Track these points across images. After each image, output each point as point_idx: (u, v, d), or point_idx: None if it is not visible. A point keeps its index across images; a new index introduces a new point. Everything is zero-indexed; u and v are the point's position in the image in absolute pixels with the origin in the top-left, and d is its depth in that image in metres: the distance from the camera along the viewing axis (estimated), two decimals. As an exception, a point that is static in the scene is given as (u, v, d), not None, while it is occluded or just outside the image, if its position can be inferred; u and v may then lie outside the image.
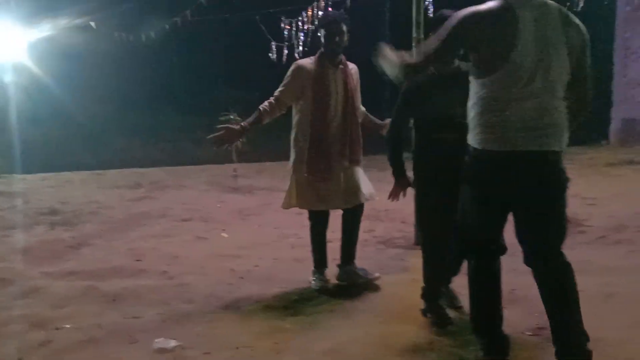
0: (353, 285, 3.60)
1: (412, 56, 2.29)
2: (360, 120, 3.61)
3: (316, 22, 5.94)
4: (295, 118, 3.59)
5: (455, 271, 3.04)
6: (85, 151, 14.05)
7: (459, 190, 2.42)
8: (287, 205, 3.71)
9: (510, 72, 2.06)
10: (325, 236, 3.75)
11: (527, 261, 2.37)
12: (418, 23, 4.40)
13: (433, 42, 2.24)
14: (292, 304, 3.37)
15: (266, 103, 3.46)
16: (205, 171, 9.87)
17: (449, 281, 3.18)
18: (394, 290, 3.57)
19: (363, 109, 3.71)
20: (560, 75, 2.12)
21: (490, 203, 2.27)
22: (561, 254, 2.32)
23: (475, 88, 2.19)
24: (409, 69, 2.30)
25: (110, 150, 14.04)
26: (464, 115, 2.40)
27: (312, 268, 3.75)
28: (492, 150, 2.15)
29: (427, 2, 4.64)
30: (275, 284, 3.75)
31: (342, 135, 3.50)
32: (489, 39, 2.07)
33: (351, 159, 3.53)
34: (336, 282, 3.69)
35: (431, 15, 4.52)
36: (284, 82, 3.51)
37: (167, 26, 7.24)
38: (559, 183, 2.23)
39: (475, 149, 2.22)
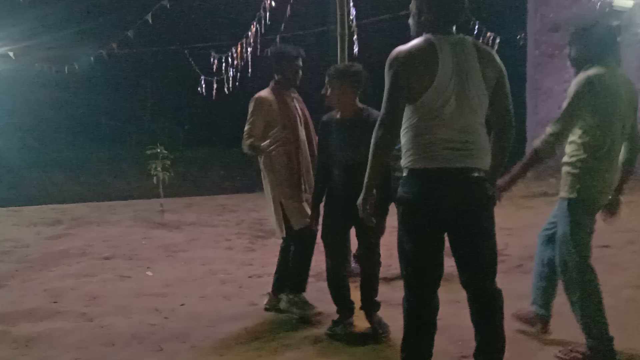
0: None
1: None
2: None
3: (247, 58, 6.01)
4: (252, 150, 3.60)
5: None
6: (1, 185, 13.23)
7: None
8: (281, 234, 3.73)
9: (434, 99, 2.26)
10: (309, 258, 3.75)
11: (462, 284, 2.49)
12: (342, 61, 4.56)
13: (387, 104, 2.31)
14: (218, 343, 3.29)
15: (249, 145, 3.52)
16: (130, 206, 9.54)
17: (377, 308, 3.32)
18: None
19: None
20: (479, 101, 2.33)
21: (423, 226, 2.35)
22: (493, 281, 2.45)
23: (406, 116, 2.34)
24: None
25: (28, 185, 13.29)
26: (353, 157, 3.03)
27: (288, 295, 3.68)
28: (421, 169, 2.30)
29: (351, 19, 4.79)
30: (202, 323, 3.64)
31: (308, 162, 3.68)
32: (415, 71, 2.27)
33: (310, 186, 3.66)
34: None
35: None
36: (250, 118, 3.58)
37: (92, 58, 7.06)
38: (485, 199, 2.38)
39: (407, 170, 2.35)
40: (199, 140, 16.00)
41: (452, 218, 2.32)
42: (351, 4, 4.63)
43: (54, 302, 4.17)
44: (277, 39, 6.11)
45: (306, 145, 3.70)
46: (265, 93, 3.66)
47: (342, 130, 3.22)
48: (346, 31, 4.53)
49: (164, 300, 4.18)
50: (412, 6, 2.43)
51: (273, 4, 5.58)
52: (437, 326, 2.48)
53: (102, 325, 3.63)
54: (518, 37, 10.72)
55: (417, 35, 2.38)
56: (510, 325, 2.91)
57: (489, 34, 6.34)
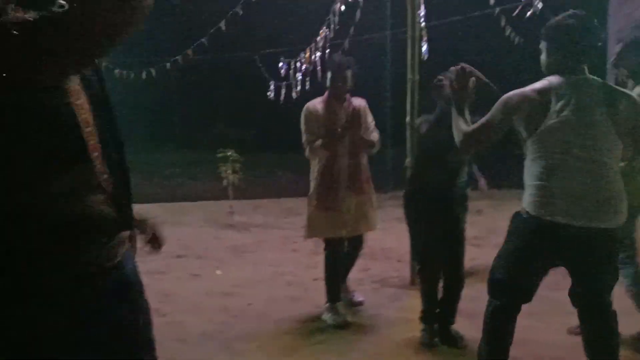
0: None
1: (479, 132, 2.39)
2: (375, 149, 3.89)
3: (316, 63, 6.07)
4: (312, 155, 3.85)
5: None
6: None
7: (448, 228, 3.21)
8: (307, 235, 3.93)
9: (544, 140, 2.26)
10: (338, 267, 3.90)
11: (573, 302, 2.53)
12: (412, 66, 4.50)
13: (487, 123, 2.36)
14: (286, 344, 3.32)
15: (309, 154, 3.82)
16: (201, 207, 9.85)
17: (451, 322, 3.36)
18: (390, 330, 3.53)
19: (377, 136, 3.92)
20: (608, 147, 2.26)
21: (536, 260, 2.38)
22: (607, 300, 2.43)
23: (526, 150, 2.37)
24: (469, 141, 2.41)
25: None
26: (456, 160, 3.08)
27: (326, 303, 3.77)
28: (539, 217, 2.27)
29: (422, 45, 4.74)
30: (270, 323, 3.69)
31: (350, 168, 3.77)
32: (523, 115, 2.29)
33: (359, 189, 3.80)
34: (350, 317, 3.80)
35: (425, 58, 4.62)
36: (303, 129, 3.79)
37: (168, 64, 7.35)
38: (609, 258, 2.36)
39: (525, 211, 2.34)
40: (267, 144, 16.32)
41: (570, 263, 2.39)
42: (422, 6, 4.56)
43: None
44: (346, 43, 6.11)
45: (352, 154, 3.76)
46: (314, 102, 3.83)
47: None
48: (417, 33, 4.46)
49: (233, 300, 4.27)
50: (541, 46, 2.46)
51: (342, 8, 5.59)
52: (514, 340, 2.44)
53: (174, 321, 3.76)
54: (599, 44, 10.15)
55: (548, 74, 2.38)
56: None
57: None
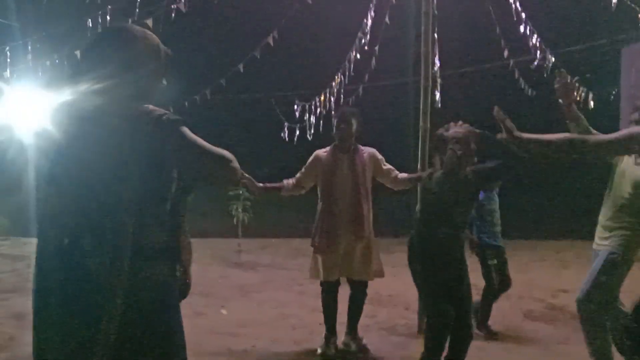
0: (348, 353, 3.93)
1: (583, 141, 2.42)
2: (392, 184, 4.00)
3: (329, 108, 6.19)
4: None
5: None
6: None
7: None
8: (309, 275, 4.11)
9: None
10: (333, 306, 4.00)
11: None
12: (424, 113, 4.58)
13: (607, 141, 2.38)
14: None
15: (290, 180, 3.99)
16: (209, 244, 9.85)
17: None
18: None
19: (395, 173, 4.00)
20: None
21: None
22: None
23: None
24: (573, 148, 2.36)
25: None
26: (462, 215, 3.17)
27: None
28: None
29: (435, 94, 4.83)
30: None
31: (349, 213, 3.85)
32: None
33: (357, 234, 3.85)
34: (341, 349, 4.00)
35: (438, 106, 4.70)
36: (303, 168, 4.02)
37: (186, 103, 7.53)
38: None
39: None
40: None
41: None
42: (436, 56, 4.67)
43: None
44: (360, 89, 6.24)
45: (352, 201, 3.86)
46: (322, 151, 4.04)
47: (464, 185, 3.17)
48: (430, 82, 4.56)
49: (237, 340, 4.23)
50: None
51: (358, 56, 5.74)
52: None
53: None
54: (612, 96, 10.24)
55: None
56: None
57: (581, 89, 6.12)
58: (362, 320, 4.68)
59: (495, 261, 4.43)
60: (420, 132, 4.56)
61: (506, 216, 4.63)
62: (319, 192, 4.01)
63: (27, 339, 4.23)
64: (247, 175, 3.59)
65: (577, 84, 2.59)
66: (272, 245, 9.92)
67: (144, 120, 1.64)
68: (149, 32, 1.73)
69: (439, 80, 4.71)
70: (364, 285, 4.01)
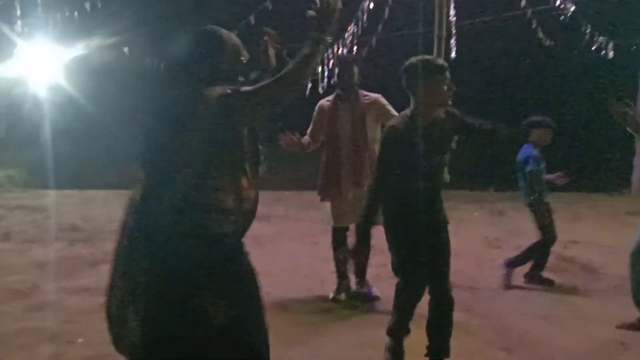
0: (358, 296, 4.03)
1: None
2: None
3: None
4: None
5: None
6: (110, 170, 14.32)
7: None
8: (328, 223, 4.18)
9: None
10: (344, 252, 4.01)
11: None
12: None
13: None
14: (301, 334, 3.38)
15: (306, 137, 4.03)
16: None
17: (447, 354, 2.85)
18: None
19: None
20: None
21: None
22: None
23: None
24: None
25: (133, 171, 14.29)
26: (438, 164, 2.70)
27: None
28: None
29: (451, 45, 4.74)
30: (286, 313, 3.76)
31: (350, 161, 3.90)
32: None
33: (358, 183, 3.88)
34: (352, 291, 4.12)
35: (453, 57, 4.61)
36: (312, 121, 4.07)
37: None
38: None
39: None
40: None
41: None
42: (451, 5, 4.55)
43: (152, 281, 4.48)
44: (373, 41, 6.13)
45: (354, 148, 3.89)
46: (325, 101, 4.06)
47: (430, 133, 2.68)
48: (444, 33, 4.46)
49: (251, 289, 4.35)
50: None
51: (372, 6, 5.61)
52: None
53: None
54: (633, 48, 9.92)
55: None
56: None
57: (601, 38, 5.95)
58: (373, 270, 4.77)
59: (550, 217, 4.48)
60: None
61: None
62: (324, 141, 4.05)
63: (48, 286, 4.41)
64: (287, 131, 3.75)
65: None
66: (285, 198, 10.02)
67: (215, 97, 1.90)
68: (233, 35, 2.07)
69: (454, 30, 4.60)
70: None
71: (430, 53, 4.56)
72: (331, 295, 4.06)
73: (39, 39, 11.92)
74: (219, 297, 1.87)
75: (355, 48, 5.98)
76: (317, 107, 4.06)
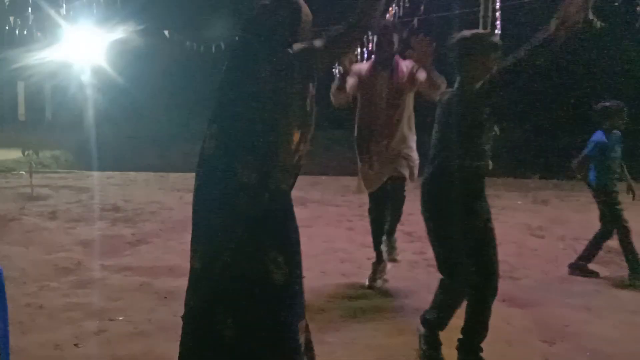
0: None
1: None
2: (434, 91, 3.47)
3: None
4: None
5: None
6: (151, 152, 14.63)
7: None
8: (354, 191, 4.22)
9: None
10: (380, 223, 3.99)
11: None
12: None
13: None
14: (336, 319, 3.38)
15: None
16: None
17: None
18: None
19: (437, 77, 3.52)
20: None
21: None
22: None
23: None
24: None
25: (173, 154, 14.56)
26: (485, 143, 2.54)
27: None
28: None
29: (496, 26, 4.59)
30: (321, 297, 3.77)
31: (386, 130, 3.79)
32: None
33: (392, 135, 3.79)
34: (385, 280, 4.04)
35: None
36: (344, 80, 3.80)
37: (237, 37, 7.48)
38: None
39: None
40: (330, 121, 16.40)
41: None
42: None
43: (190, 262, 4.56)
44: (415, 21, 6.00)
45: (384, 117, 3.76)
46: (362, 65, 3.93)
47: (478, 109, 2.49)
48: (489, 14, 4.32)
49: (287, 272, 4.38)
50: None
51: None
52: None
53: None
54: None
55: None
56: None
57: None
58: (410, 257, 4.73)
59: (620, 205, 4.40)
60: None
61: (566, 156, 4.52)
62: (358, 109, 3.93)
63: (92, 264, 4.54)
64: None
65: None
66: (321, 182, 10.02)
67: (297, 49, 2.06)
68: (304, 4, 2.16)
69: (498, 11, 4.45)
70: (402, 180, 3.86)
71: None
72: (367, 282, 4.02)
73: (83, 23, 12.21)
74: (280, 253, 1.99)
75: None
76: (353, 69, 3.80)
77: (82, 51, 13.84)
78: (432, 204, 2.64)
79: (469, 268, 2.55)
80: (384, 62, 3.80)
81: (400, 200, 3.95)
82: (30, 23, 9.35)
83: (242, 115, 2.03)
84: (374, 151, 3.84)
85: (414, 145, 3.88)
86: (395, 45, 3.76)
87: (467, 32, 2.58)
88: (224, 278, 1.99)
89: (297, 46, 2.06)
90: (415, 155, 3.87)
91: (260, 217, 1.99)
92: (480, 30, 2.56)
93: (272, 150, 2.01)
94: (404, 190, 3.92)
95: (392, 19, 5.63)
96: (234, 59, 2.14)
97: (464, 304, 2.64)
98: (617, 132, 4.37)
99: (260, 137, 1.99)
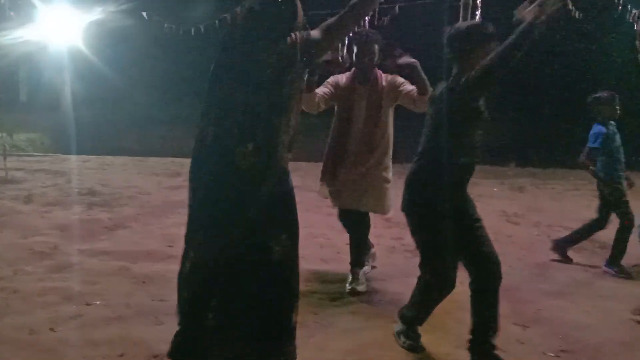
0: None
1: None
2: (414, 106, 3.50)
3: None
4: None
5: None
6: (128, 136, 14.43)
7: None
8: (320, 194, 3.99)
9: None
10: (353, 236, 3.85)
11: None
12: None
13: None
14: (314, 302, 3.41)
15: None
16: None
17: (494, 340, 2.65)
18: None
19: (415, 92, 3.49)
20: None
21: None
22: None
23: None
24: None
25: (152, 138, 14.39)
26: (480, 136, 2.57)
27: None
28: None
29: (476, 13, 4.60)
30: (300, 282, 3.78)
31: (362, 146, 3.59)
32: None
33: (368, 163, 3.59)
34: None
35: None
36: (322, 84, 3.66)
37: (216, 22, 7.38)
38: None
39: None
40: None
41: None
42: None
43: (169, 246, 4.54)
44: (396, 9, 5.99)
45: (367, 133, 3.56)
46: (341, 76, 3.67)
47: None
48: (470, 1, 4.33)
49: (266, 257, 4.38)
50: None
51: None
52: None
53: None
54: None
55: None
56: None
57: (634, 12, 5.70)
58: (388, 242, 4.78)
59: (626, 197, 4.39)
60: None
61: (542, 144, 4.57)
62: (334, 120, 3.72)
63: (68, 248, 4.49)
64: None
65: None
66: (301, 168, 10.01)
67: (297, 37, 2.18)
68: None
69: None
70: (368, 217, 3.77)
71: (455, 21, 4.43)
72: (348, 287, 3.68)
73: (59, 3, 11.91)
74: (285, 231, 2.20)
75: (377, 17, 5.84)
76: (330, 79, 3.66)
77: (59, 32, 13.54)
78: (419, 199, 2.61)
79: (457, 264, 2.57)
80: (364, 77, 3.59)
81: (365, 228, 3.80)
82: (2, 2, 9.09)
83: (245, 101, 2.11)
84: (344, 180, 3.64)
85: (389, 163, 3.68)
86: (376, 57, 3.56)
87: (464, 24, 2.59)
88: (230, 262, 2.11)
89: (297, 35, 2.18)
90: (390, 176, 3.68)
91: (269, 198, 2.13)
92: (476, 21, 2.53)
93: (277, 132, 2.13)
94: (368, 220, 3.78)
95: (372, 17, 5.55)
96: (233, 46, 2.21)
97: (467, 302, 2.61)
98: (612, 122, 4.41)
99: (266, 121, 2.10)
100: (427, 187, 2.58)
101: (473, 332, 2.57)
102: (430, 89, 3.34)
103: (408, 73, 3.42)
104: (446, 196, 2.53)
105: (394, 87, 3.60)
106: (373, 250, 4.10)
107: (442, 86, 2.61)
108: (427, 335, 2.83)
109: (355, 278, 3.69)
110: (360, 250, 3.80)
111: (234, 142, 2.10)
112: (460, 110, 2.47)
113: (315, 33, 2.21)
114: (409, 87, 3.54)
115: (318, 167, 3.90)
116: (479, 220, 2.62)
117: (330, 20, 2.21)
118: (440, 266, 2.60)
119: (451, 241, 2.54)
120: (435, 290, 2.68)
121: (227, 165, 2.10)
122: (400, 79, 3.63)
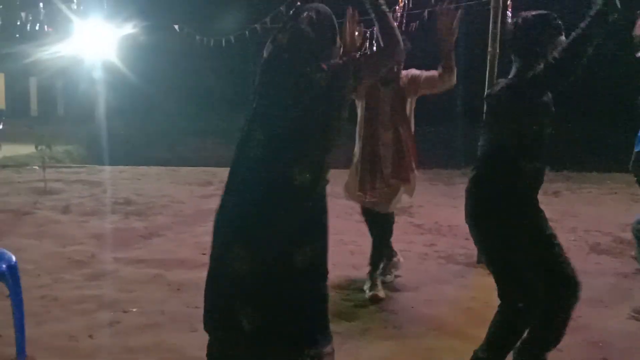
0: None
1: None
2: (437, 86, 3.47)
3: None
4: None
5: None
6: (162, 147, 14.71)
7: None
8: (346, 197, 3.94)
9: None
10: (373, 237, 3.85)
11: None
12: (494, 37, 4.32)
13: None
14: (347, 310, 3.40)
15: None
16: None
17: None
18: (451, 306, 3.52)
19: (435, 73, 3.47)
20: None
21: None
22: None
23: None
24: None
25: (185, 148, 14.64)
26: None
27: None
28: None
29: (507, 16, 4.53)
30: (332, 290, 3.77)
31: (393, 154, 3.58)
32: None
33: (402, 178, 3.59)
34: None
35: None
36: None
37: (246, 32, 7.48)
38: None
39: None
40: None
41: None
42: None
43: (202, 254, 4.59)
44: (425, 14, 5.97)
45: (396, 137, 3.55)
46: None
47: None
48: (500, 4, 4.28)
49: (298, 264, 4.39)
50: None
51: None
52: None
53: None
54: None
55: None
56: None
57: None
58: (420, 249, 4.73)
59: None
60: (488, 58, 4.35)
61: (580, 147, 4.46)
62: (357, 129, 3.69)
63: (105, 257, 4.59)
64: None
65: None
66: (331, 175, 10.03)
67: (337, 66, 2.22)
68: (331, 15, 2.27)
69: (509, 2, 4.40)
70: (385, 218, 3.77)
71: (486, 25, 4.38)
72: (369, 293, 3.62)
73: (93, 17, 12.29)
74: (314, 238, 2.32)
75: (404, 20, 5.82)
76: None
77: (93, 46, 13.94)
78: (487, 212, 2.33)
79: (538, 283, 2.27)
80: (388, 82, 3.54)
81: (388, 229, 3.81)
82: (41, 18, 9.41)
83: (295, 122, 2.17)
84: (375, 186, 3.61)
85: (413, 165, 3.64)
86: (402, 66, 3.55)
87: (531, 13, 2.31)
88: (268, 271, 2.17)
89: (335, 63, 2.23)
90: (414, 171, 3.64)
91: (309, 215, 2.25)
92: (544, 11, 2.30)
93: (325, 151, 2.24)
94: (387, 223, 3.78)
95: (400, 11, 5.53)
96: (280, 67, 2.23)
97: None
98: None
99: (315, 143, 2.20)
100: (494, 198, 2.28)
101: (529, 342, 2.34)
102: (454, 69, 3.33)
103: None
104: (518, 208, 2.27)
105: (413, 80, 3.56)
106: (396, 258, 4.05)
107: (501, 83, 2.38)
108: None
109: (375, 284, 3.66)
110: (380, 253, 3.78)
111: (285, 162, 2.16)
112: (528, 108, 2.25)
113: (361, 58, 2.32)
114: (427, 72, 3.51)
115: (346, 174, 3.87)
116: (555, 236, 2.35)
117: (369, 55, 2.40)
118: (528, 287, 2.26)
119: (531, 259, 2.28)
120: (519, 320, 2.28)
121: (277, 184, 2.17)
122: (415, 70, 3.60)
